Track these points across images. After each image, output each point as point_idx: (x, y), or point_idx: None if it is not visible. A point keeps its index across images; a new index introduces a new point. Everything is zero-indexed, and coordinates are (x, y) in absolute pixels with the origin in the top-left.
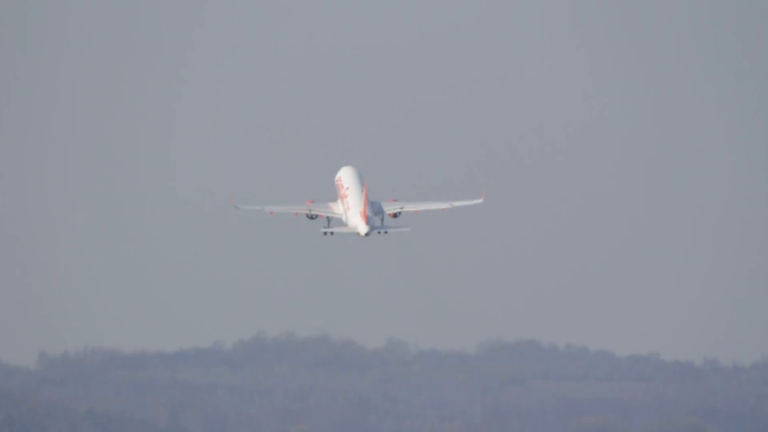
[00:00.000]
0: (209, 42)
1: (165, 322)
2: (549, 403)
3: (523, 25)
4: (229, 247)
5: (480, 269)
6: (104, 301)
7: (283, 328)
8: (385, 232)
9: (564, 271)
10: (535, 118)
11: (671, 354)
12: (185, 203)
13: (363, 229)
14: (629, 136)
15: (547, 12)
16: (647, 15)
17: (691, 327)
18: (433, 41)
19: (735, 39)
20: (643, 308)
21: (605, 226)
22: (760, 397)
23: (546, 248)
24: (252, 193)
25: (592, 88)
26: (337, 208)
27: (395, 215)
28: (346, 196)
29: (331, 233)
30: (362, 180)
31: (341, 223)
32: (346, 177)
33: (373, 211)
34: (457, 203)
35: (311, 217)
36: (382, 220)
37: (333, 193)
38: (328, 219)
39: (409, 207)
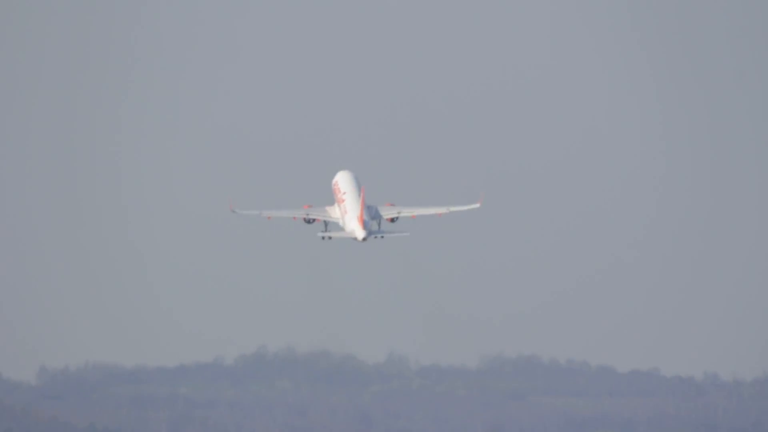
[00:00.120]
0: (208, 47)
1: (166, 336)
2: (550, 419)
3: (520, 31)
4: (228, 254)
5: (478, 278)
6: (105, 315)
7: (284, 343)
8: (382, 237)
9: (562, 285)
10: (533, 123)
11: (672, 369)
12: (183, 209)
13: (360, 233)
14: (629, 143)
15: (544, 18)
16: (647, 17)
17: (691, 342)
18: (431, 47)
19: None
20: (644, 323)
21: (606, 239)
22: (761, 411)
23: (544, 261)
24: (250, 198)
25: (590, 94)
26: (335, 213)
27: (392, 220)
28: (343, 201)
29: (329, 237)
30: (359, 184)
31: (338, 227)
32: (342, 181)
33: (370, 215)
34: (454, 208)
35: (309, 222)
36: (379, 225)
37: (330, 198)
38: (326, 223)
39: (406, 211)
